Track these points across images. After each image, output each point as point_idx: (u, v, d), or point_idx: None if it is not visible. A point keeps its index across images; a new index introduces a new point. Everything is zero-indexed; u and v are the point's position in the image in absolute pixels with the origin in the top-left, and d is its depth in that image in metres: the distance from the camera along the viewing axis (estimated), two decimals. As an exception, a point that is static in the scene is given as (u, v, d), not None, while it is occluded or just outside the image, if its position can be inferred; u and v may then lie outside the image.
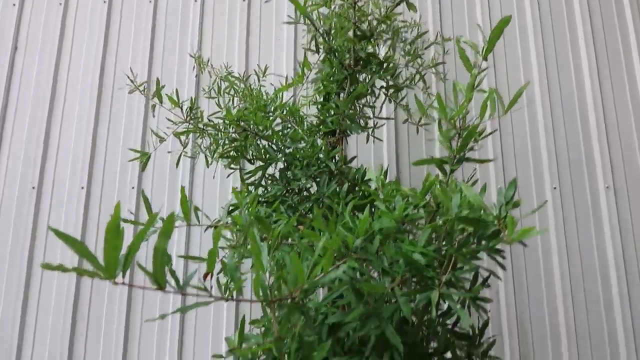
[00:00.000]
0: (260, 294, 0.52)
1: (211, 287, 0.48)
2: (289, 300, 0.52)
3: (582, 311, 1.88)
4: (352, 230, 0.78)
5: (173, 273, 0.49)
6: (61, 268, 0.46)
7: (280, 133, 1.31)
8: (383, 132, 2.03)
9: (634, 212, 1.97)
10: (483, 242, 0.69)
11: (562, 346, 1.85)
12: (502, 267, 0.83)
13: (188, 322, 1.86)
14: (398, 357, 0.84)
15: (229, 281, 0.49)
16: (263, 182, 1.34)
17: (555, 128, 2.09)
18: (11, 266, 2.00)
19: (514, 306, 1.88)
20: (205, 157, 1.56)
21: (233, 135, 1.31)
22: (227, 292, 0.50)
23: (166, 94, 1.26)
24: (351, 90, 1.28)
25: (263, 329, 0.92)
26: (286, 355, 0.56)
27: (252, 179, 1.34)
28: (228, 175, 1.87)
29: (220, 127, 1.35)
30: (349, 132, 1.32)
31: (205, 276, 0.49)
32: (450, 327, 0.89)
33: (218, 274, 0.62)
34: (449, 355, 1.08)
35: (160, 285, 0.47)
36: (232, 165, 1.55)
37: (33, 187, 2.08)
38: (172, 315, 1.86)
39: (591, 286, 1.90)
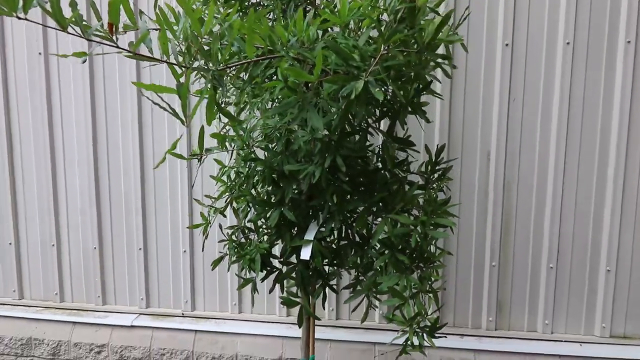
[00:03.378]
0: (169, 52, 0.56)
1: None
2: (197, 62, 0.56)
3: (573, 168, 1.88)
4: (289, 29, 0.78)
5: (80, 19, 0.52)
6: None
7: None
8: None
9: (653, 68, 1.81)
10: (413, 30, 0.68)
11: (547, 202, 1.91)
12: (448, 75, 0.82)
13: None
14: (339, 159, 0.91)
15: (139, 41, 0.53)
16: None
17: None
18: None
19: (504, 161, 1.91)
20: None
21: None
22: (133, 46, 0.53)
23: None
24: None
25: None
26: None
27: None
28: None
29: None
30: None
31: (109, 27, 0.52)
32: (387, 131, 0.94)
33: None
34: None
35: (62, 26, 0.51)
36: None
37: None
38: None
39: (588, 148, 1.86)
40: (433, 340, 0.94)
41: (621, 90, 1.81)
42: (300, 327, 1.26)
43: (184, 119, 0.62)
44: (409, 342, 1.02)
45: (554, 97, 1.87)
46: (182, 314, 2.20)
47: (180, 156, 0.88)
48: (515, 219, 1.94)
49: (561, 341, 1.96)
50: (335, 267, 1.22)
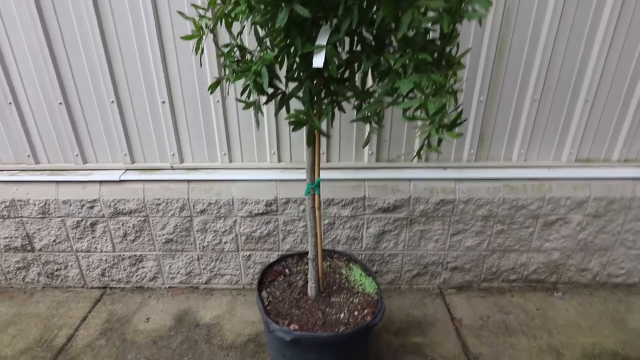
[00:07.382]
0: None
1: None
2: None
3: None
4: None
5: None
6: None
7: None
8: None
9: None
10: None
11: (542, 33, 1.87)
12: None
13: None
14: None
15: None
16: None
17: None
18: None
19: (499, 25, 1.79)
20: None
21: None
22: None
23: None
24: None
25: None
26: None
27: None
28: None
29: None
30: None
31: None
32: None
33: None
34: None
35: None
36: None
37: None
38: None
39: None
40: (453, 134, 0.96)
41: None
42: (309, 146, 1.26)
43: None
44: (425, 142, 1.04)
45: None
46: (171, 166, 2.18)
47: None
48: (509, 50, 1.91)
49: (532, 167, 2.16)
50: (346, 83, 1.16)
